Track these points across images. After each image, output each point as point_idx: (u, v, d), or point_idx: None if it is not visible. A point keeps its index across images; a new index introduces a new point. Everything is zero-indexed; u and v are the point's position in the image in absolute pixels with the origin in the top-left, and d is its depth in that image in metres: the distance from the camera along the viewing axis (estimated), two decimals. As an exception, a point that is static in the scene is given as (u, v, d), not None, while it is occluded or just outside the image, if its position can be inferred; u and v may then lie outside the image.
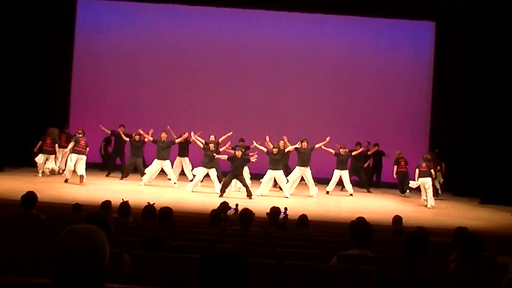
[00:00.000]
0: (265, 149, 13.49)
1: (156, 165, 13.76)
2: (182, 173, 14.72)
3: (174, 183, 13.75)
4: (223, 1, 17.04)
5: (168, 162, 13.84)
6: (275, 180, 13.66)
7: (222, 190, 12.63)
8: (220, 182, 13.19)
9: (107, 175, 14.96)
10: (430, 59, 17.46)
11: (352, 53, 17.54)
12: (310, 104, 17.48)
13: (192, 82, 17.50)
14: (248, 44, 17.58)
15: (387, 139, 16.68)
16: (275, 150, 13.32)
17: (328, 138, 13.90)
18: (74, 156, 13.22)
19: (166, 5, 17.22)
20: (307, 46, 17.49)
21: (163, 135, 13.94)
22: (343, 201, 13.61)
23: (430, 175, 13.19)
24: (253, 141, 13.85)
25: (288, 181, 13.59)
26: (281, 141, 13.78)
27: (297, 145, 13.71)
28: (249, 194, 12.69)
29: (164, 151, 13.79)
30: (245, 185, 12.82)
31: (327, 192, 14.48)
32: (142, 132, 14.19)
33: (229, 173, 12.90)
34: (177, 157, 14.57)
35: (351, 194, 14.37)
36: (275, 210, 8.06)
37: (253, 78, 17.52)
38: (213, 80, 17.50)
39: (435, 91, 17.35)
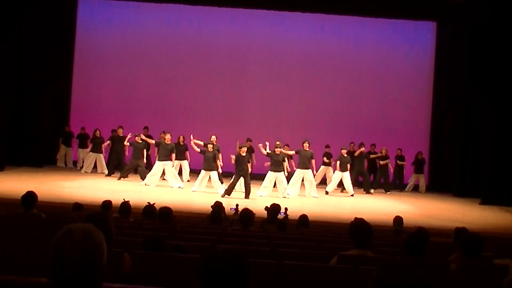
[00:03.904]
0: (265, 152, 13.43)
1: (159, 167, 13.79)
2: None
3: (179, 187, 13.66)
4: (224, 1, 17.03)
5: (169, 164, 13.83)
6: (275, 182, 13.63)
7: (229, 192, 12.57)
8: (221, 183, 13.21)
9: (107, 175, 14.96)
10: (430, 59, 17.44)
11: (352, 53, 17.52)
12: (310, 104, 17.46)
13: (193, 82, 17.49)
14: (249, 43, 17.57)
15: (387, 139, 16.65)
16: (277, 151, 13.28)
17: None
18: (93, 155, 15.48)
19: (167, 4, 17.20)
20: (307, 45, 17.47)
21: (167, 137, 13.91)
22: (344, 202, 13.61)
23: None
24: (258, 145, 13.66)
25: (288, 184, 13.58)
26: (286, 146, 13.89)
27: (293, 152, 13.90)
28: (247, 195, 12.66)
29: (166, 153, 13.78)
30: (247, 186, 12.78)
31: (327, 193, 14.48)
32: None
33: (236, 174, 12.81)
34: (175, 160, 14.50)
35: (352, 195, 14.37)
36: (275, 207, 8.02)
37: (254, 78, 17.50)
38: (214, 80, 17.49)
39: (435, 91, 17.35)
